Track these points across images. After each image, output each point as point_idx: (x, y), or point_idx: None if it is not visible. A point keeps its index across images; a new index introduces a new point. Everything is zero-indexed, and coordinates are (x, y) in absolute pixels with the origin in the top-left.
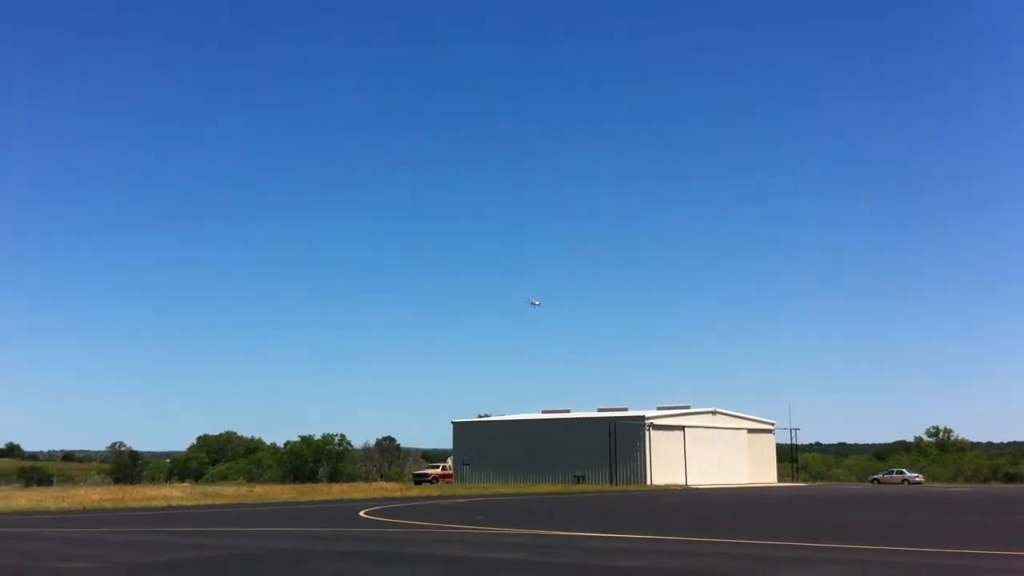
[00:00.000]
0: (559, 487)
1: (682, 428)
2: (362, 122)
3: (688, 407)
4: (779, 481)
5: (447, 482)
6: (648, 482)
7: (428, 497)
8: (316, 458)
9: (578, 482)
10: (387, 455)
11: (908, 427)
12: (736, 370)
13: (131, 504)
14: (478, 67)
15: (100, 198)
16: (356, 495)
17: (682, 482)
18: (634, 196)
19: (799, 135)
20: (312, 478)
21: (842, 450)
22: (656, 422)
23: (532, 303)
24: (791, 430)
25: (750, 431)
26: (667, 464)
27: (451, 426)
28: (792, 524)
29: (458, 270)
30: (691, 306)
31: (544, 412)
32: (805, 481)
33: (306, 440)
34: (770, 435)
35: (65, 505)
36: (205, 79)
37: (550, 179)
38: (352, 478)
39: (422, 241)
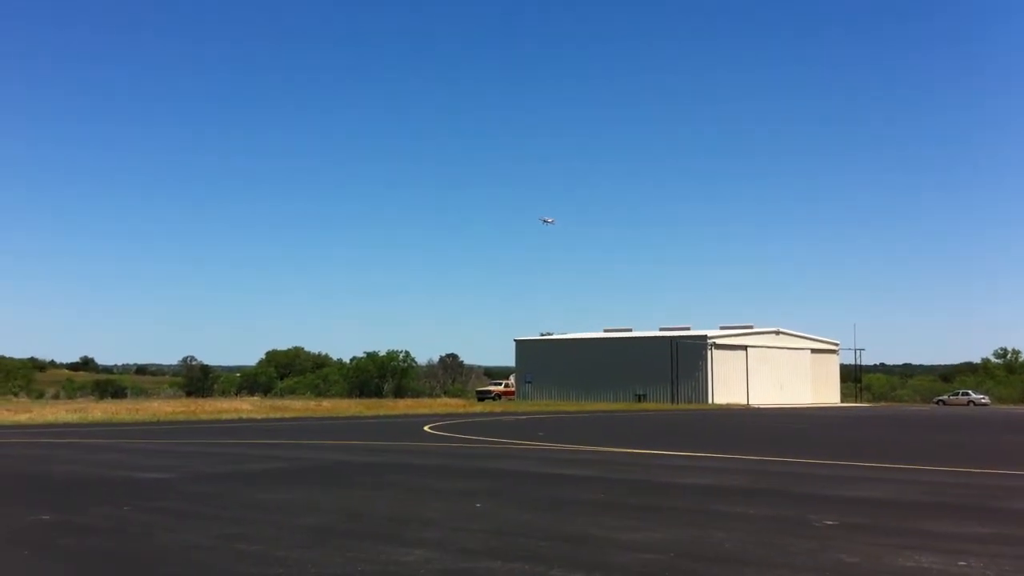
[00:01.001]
0: (620, 405)
1: (745, 348)
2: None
3: (751, 327)
4: (842, 402)
5: (509, 399)
6: (710, 401)
7: (491, 413)
8: (381, 374)
9: (639, 401)
10: (450, 372)
11: (975, 348)
12: (801, 290)
13: (202, 417)
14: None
15: (190, 116)
16: (420, 410)
17: (744, 402)
18: (702, 113)
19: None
20: (377, 393)
21: (907, 371)
22: (718, 341)
23: (545, 221)
24: (855, 350)
25: (813, 351)
26: (729, 384)
27: (513, 344)
28: (853, 444)
29: (523, 190)
30: (754, 225)
31: (606, 331)
32: (868, 402)
33: (371, 356)
34: (834, 355)
35: (139, 417)
36: None
37: (624, 99)
38: (416, 394)
39: (488, 159)
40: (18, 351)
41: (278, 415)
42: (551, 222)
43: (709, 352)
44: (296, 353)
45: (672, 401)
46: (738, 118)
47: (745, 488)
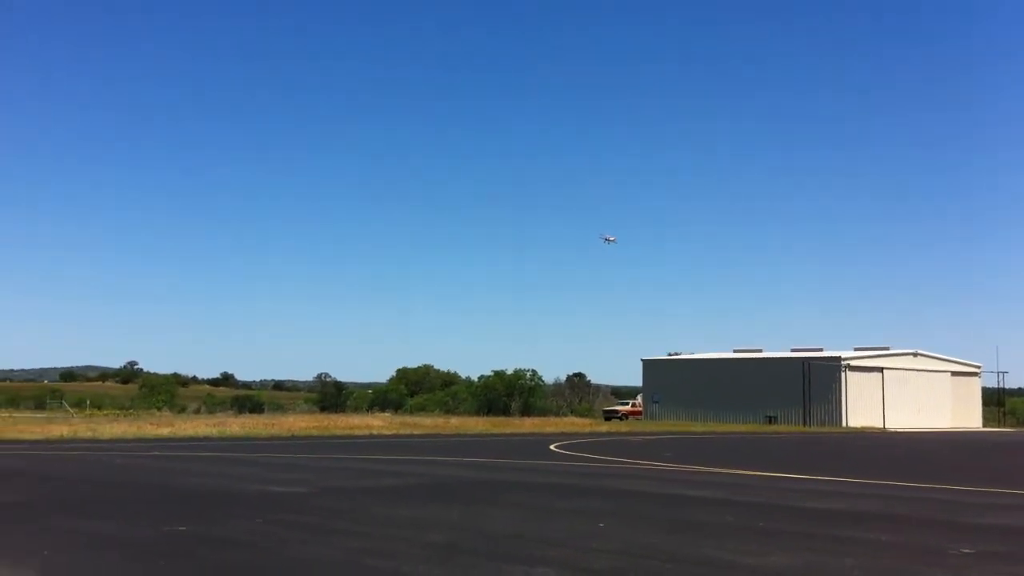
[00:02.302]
0: (750, 427)
1: (880, 370)
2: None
3: (887, 348)
4: (984, 426)
5: (636, 419)
6: (844, 424)
7: (617, 433)
8: (508, 392)
9: (770, 423)
10: (577, 391)
11: None
12: (940, 311)
13: (336, 432)
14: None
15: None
16: (547, 429)
17: (880, 425)
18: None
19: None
20: (505, 411)
21: None
22: (853, 363)
23: (606, 239)
24: (998, 373)
25: (954, 374)
26: (864, 406)
27: (641, 363)
28: (993, 470)
29: (651, 209)
30: (889, 244)
31: (735, 351)
32: (1013, 427)
33: (499, 375)
34: (975, 378)
35: (275, 432)
36: None
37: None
38: (543, 412)
39: (617, 174)
40: (163, 367)
41: (408, 431)
42: (612, 240)
43: (843, 374)
44: (426, 371)
45: (804, 424)
46: (856, 122)
47: (877, 514)
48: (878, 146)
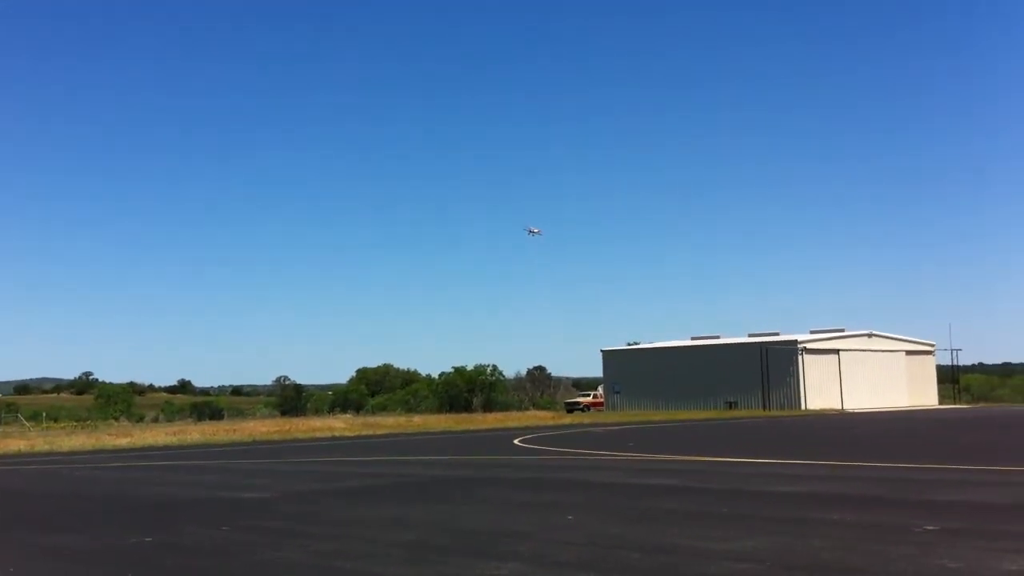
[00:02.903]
0: (711, 414)
1: (837, 351)
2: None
3: (843, 330)
4: (940, 404)
5: (598, 410)
6: (803, 407)
7: (580, 425)
8: (470, 388)
9: (730, 408)
10: (538, 384)
11: None
12: (892, 291)
13: (298, 435)
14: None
15: (252, 138)
16: (510, 424)
17: (838, 407)
18: (785, 116)
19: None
20: (467, 408)
21: (1006, 370)
22: (809, 346)
23: (531, 231)
24: (952, 351)
25: (908, 353)
26: (822, 389)
27: (600, 354)
28: (951, 446)
29: (605, 199)
30: (841, 226)
31: (693, 339)
32: (967, 403)
33: (460, 371)
34: (930, 356)
35: (236, 438)
36: None
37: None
38: (505, 407)
39: (562, 166)
40: (118, 377)
41: (371, 432)
42: (537, 232)
43: (800, 357)
44: (386, 370)
45: (764, 408)
46: (819, 115)
47: (841, 495)
48: (823, 126)
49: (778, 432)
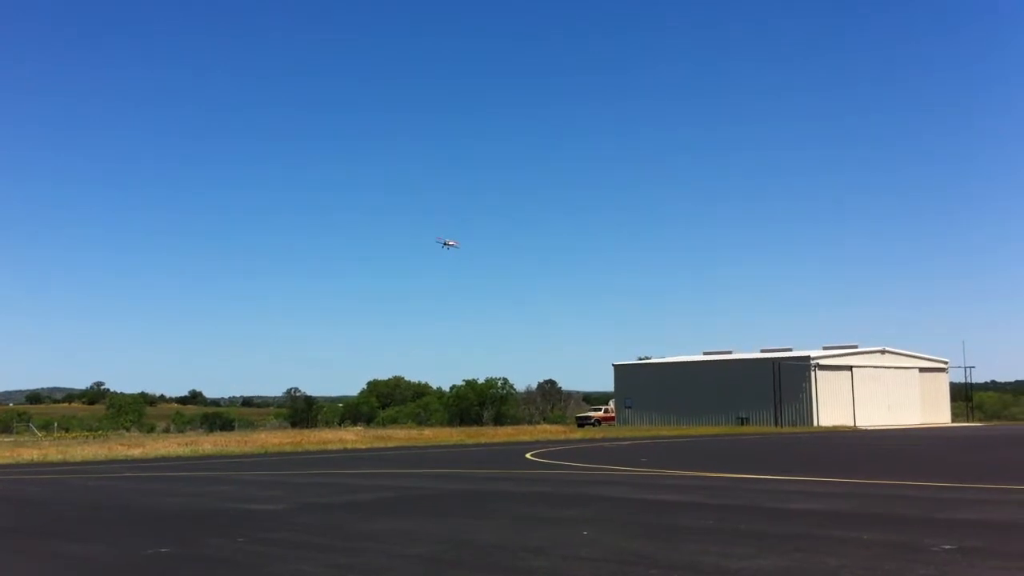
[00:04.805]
0: (723, 429)
1: (850, 368)
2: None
3: (855, 346)
4: (953, 421)
5: (609, 424)
6: (815, 423)
7: (591, 439)
8: (480, 401)
9: (742, 424)
10: (549, 398)
11: None
12: (906, 308)
13: (309, 447)
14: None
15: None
16: (522, 437)
17: (850, 423)
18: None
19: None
20: (477, 421)
21: (1020, 388)
22: (822, 362)
23: (446, 244)
24: (965, 368)
25: (922, 370)
26: (834, 405)
27: (612, 369)
28: (966, 465)
29: (621, 213)
30: (858, 243)
31: (705, 354)
32: (980, 421)
33: (470, 384)
34: (943, 374)
35: (248, 449)
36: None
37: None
38: (516, 421)
39: (572, 181)
40: (129, 387)
41: (382, 444)
42: (453, 245)
43: (812, 373)
44: (397, 383)
45: (776, 424)
46: (837, 129)
47: (857, 513)
48: (845, 144)
49: (791, 449)
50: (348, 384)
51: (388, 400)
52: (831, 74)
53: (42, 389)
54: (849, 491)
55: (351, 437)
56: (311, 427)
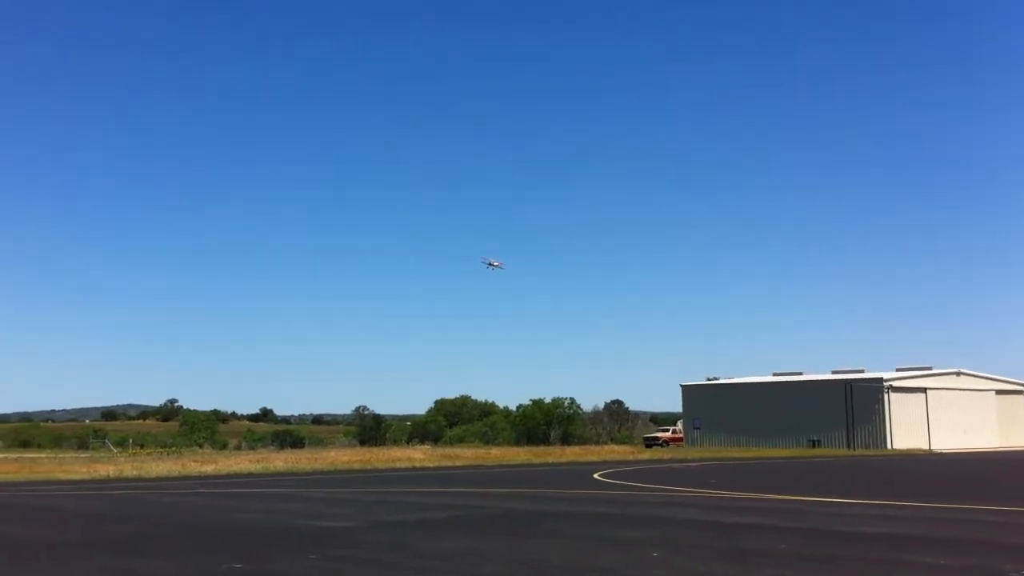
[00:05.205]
0: (793, 452)
1: (924, 390)
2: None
3: (930, 368)
4: None
5: (678, 445)
6: (888, 446)
7: (660, 460)
8: (547, 421)
9: (813, 446)
10: (616, 418)
11: None
12: (981, 328)
13: (378, 465)
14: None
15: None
16: (589, 458)
17: (925, 446)
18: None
19: None
20: (544, 440)
21: None
22: (895, 384)
23: (490, 264)
24: None
25: (999, 392)
26: (909, 428)
27: (679, 389)
28: None
29: (691, 232)
30: (933, 264)
31: (775, 375)
32: None
33: (537, 403)
34: (1021, 396)
35: (318, 466)
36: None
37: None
38: (582, 441)
39: (638, 201)
40: (202, 404)
41: (449, 463)
42: (498, 266)
43: (886, 395)
44: (464, 401)
45: (848, 447)
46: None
47: (933, 537)
48: (919, 162)
49: (865, 472)
50: (416, 403)
51: (455, 419)
52: (899, 90)
53: (117, 406)
54: (924, 515)
55: (419, 455)
56: (379, 445)
